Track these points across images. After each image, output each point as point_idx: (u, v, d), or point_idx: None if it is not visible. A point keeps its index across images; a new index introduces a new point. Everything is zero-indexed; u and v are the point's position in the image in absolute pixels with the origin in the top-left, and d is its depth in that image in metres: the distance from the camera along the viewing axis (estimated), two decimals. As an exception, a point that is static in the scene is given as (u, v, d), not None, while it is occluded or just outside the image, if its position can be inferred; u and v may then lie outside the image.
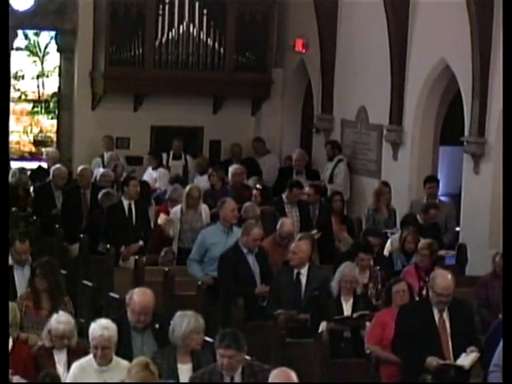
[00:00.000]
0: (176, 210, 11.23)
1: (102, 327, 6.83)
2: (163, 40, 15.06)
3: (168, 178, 13.95)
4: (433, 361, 7.44)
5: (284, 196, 11.72)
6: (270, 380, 6.05)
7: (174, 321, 7.02)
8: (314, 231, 10.95)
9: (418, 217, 11.17)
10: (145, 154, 14.99)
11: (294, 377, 6.06)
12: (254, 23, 15.52)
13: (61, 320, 7.20)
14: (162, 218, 11.33)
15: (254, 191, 12.25)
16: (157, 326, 7.45)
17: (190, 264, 10.22)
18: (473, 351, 7.48)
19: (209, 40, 15.22)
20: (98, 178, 12.62)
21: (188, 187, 11.42)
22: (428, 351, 7.47)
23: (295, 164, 14.19)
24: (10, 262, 8.84)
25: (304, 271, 9.20)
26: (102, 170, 13.35)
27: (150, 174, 14.04)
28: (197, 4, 15.07)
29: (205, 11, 15.12)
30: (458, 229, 12.25)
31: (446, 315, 7.60)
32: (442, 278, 7.60)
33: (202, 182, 13.49)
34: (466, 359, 7.47)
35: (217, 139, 15.93)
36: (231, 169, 13.05)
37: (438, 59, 12.61)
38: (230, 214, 10.21)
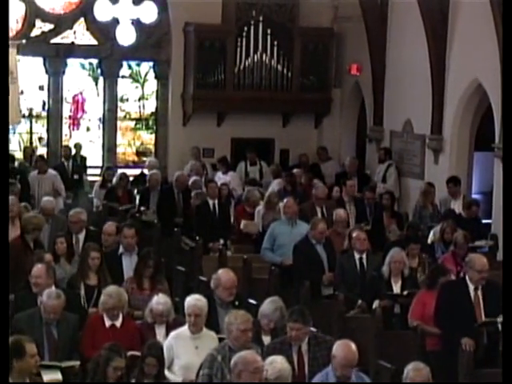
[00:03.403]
0: (259, 208, 11.39)
1: (195, 299, 6.93)
2: (241, 67, 15.12)
3: (239, 179, 14.00)
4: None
5: (344, 194, 11.75)
6: (333, 350, 6.03)
7: (264, 302, 7.02)
8: (362, 224, 10.95)
9: (461, 211, 11.09)
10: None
11: (353, 347, 6.02)
12: (316, 51, 15.49)
13: (160, 301, 7.26)
14: (243, 224, 11.35)
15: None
16: (237, 303, 7.49)
17: (264, 252, 10.21)
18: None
19: (278, 66, 15.24)
20: (190, 183, 12.71)
21: (268, 193, 11.60)
22: (465, 323, 7.38)
23: (348, 170, 14.12)
24: (121, 250, 8.92)
25: (364, 256, 9.22)
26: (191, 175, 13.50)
27: (220, 179, 13.80)
28: (268, 37, 15.11)
29: (275, 42, 15.16)
30: (489, 221, 12.10)
31: (479, 293, 7.52)
32: (480, 259, 7.60)
33: (275, 184, 13.54)
34: (499, 318, 7.39)
35: (286, 148, 15.92)
36: (295, 172, 13.05)
37: (472, 79, 12.46)
38: (286, 210, 10.29)
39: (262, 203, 11.41)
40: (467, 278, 7.58)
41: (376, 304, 8.43)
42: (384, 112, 14.65)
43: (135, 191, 13.08)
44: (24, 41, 13.69)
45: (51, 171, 13.36)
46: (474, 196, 13.20)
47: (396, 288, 8.60)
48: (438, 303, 7.64)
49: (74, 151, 14.92)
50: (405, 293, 8.46)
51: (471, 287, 7.52)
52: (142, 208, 12.14)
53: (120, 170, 14.15)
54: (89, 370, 6.18)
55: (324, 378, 6.08)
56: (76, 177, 14.30)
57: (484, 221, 11.97)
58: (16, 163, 14.18)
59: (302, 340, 6.54)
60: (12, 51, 12.65)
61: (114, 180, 13.12)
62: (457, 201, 11.69)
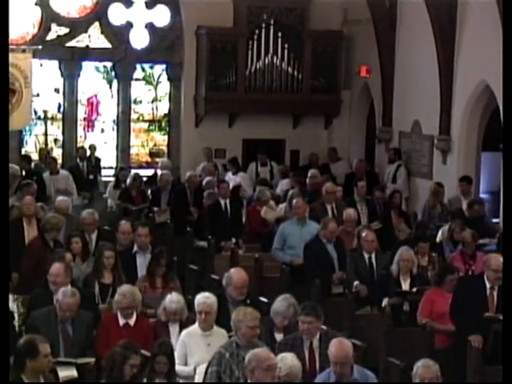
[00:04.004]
0: (281, 207, 11.39)
1: (204, 297, 6.94)
2: (252, 69, 15.11)
3: (249, 180, 14.02)
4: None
5: (355, 195, 11.73)
6: (329, 347, 6.02)
7: (276, 300, 7.01)
8: (375, 223, 10.92)
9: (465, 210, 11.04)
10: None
11: (345, 344, 5.99)
12: (326, 54, 15.46)
13: (173, 300, 7.26)
14: (264, 210, 11.35)
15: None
16: (248, 301, 7.47)
17: (275, 252, 10.18)
18: None
19: (289, 68, 15.22)
20: (203, 184, 12.70)
21: (291, 192, 11.48)
22: (476, 319, 7.36)
23: (355, 171, 14.04)
24: (135, 248, 8.91)
25: (373, 256, 9.19)
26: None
27: (230, 179, 13.78)
28: (279, 40, 15.09)
29: (286, 45, 15.14)
30: (497, 220, 12.04)
31: (495, 293, 7.51)
32: (495, 259, 7.58)
33: (283, 184, 13.55)
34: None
35: (296, 149, 15.91)
36: (309, 173, 13.00)
37: (480, 80, 12.41)
38: (296, 210, 10.27)
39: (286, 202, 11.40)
40: (485, 276, 7.57)
41: (385, 302, 8.41)
42: (393, 113, 14.63)
43: (149, 191, 13.10)
44: (40, 47, 13.74)
45: (63, 172, 13.39)
46: (482, 195, 13.16)
47: (405, 286, 8.58)
48: (454, 296, 7.62)
49: (88, 152, 14.95)
50: (414, 289, 8.45)
51: (488, 286, 7.51)
52: (156, 208, 12.14)
53: (133, 171, 14.16)
54: (104, 368, 6.18)
55: (326, 377, 6.07)
56: (91, 177, 14.33)
57: (493, 220, 11.91)
58: (32, 164, 14.21)
59: (313, 334, 6.52)
60: (28, 56, 12.68)
61: (128, 181, 13.14)
62: (468, 199, 11.64)
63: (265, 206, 11.35)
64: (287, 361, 5.88)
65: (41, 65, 14.61)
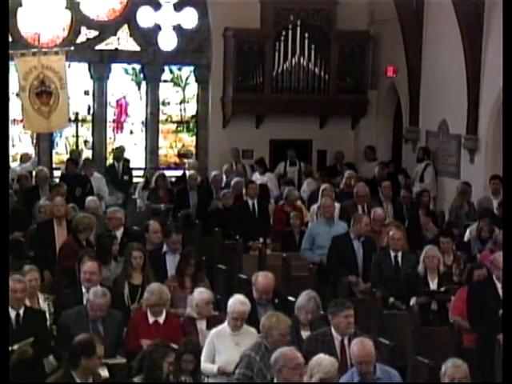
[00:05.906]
0: (315, 206, 11.36)
1: (241, 303, 6.85)
2: (279, 70, 15.10)
3: (276, 180, 14.03)
4: None
5: (380, 194, 11.67)
6: (351, 347, 5.98)
7: (300, 296, 7.00)
8: (390, 220, 10.88)
9: (495, 210, 10.95)
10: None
11: (367, 343, 5.94)
12: (353, 54, 15.41)
13: (202, 291, 7.35)
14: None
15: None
16: (276, 300, 7.47)
17: (304, 253, 10.17)
18: None
19: (316, 69, 15.19)
20: (231, 185, 12.69)
21: (322, 189, 11.37)
22: (496, 320, 7.29)
23: (377, 177, 13.87)
24: (165, 248, 8.93)
25: (400, 254, 9.12)
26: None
27: (257, 179, 13.73)
28: (306, 41, 15.07)
29: (312, 46, 15.11)
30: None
31: None
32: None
33: (306, 184, 13.63)
34: None
35: (323, 149, 15.87)
36: (346, 174, 12.96)
37: (507, 79, 12.28)
38: (324, 209, 10.23)
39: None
40: (494, 276, 7.49)
41: (413, 301, 8.36)
42: (420, 112, 14.54)
43: (175, 191, 13.13)
44: (72, 47, 13.84)
45: (97, 175, 13.46)
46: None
47: (433, 285, 8.52)
48: (469, 304, 7.56)
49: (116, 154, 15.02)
50: (442, 289, 8.39)
51: (499, 285, 7.43)
52: (179, 213, 12.10)
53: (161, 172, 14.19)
54: (139, 367, 6.08)
55: (350, 377, 6.03)
56: (126, 178, 14.41)
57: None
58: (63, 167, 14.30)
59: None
60: (61, 58, 12.75)
61: (153, 180, 13.18)
62: (498, 199, 11.54)
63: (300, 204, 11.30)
64: (325, 361, 5.73)
65: (69, 66, 14.66)
